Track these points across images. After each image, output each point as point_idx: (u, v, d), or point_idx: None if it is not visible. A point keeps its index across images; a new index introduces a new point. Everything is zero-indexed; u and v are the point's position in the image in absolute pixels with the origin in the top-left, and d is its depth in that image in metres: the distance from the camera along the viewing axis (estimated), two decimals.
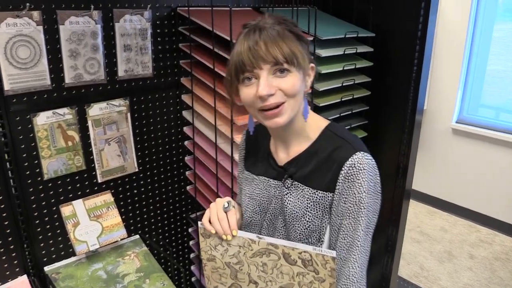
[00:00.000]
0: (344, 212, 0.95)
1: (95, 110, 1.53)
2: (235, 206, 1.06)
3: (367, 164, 0.93)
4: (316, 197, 1.00)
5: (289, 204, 1.04)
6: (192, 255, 2.04)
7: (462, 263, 3.13)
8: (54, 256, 1.60)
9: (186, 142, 1.81)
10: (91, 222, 1.59)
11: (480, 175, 3.64)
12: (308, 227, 1.01)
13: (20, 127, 1.39)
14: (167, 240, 1.92)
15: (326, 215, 1.00)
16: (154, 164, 1.75)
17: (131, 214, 1.76)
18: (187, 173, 1.87)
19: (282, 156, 1.08)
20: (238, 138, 1.52)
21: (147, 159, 1.73)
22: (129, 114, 1.61)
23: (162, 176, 1.80)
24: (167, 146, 1.77)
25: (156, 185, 1.79)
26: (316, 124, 1.04)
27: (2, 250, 1.47)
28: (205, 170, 1.78)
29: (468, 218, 3.75)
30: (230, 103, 1.02)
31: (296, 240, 1.03)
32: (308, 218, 1.01)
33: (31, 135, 1.42)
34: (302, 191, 1.02)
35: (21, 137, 1.40)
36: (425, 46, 1.61)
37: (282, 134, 1.04)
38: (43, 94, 1.40)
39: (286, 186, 1.05)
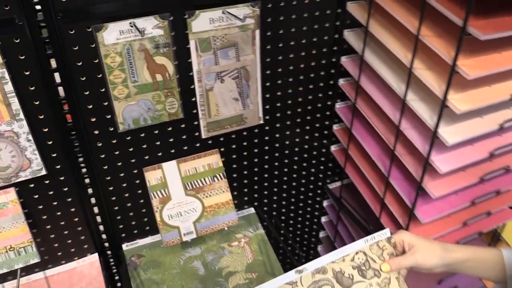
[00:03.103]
0: None
1: (203, 23, 0.88)
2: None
3: None
4: None
5: None
6: (321, 234, 1.46)
7: None
8: (135, 231, 1.12)
9: (341, 82, 1.11)
10: (188, 197, 1.05)
11: None
12: None
13: (77, 48, 0.81)
14: (291, 214, 1.35)
15: None
16: (288, 113, 1.11)
17: (246, 181, 1.18)
18: (334, 127, 1.20)
19: None
20: (456, 100, 0.79)
21: (278, 104, 1.08)
22: (257, 32, 0.94)
23: (298, 131, 1.15)
24: (310, 86, 1.09)
25: (287, 142, 1.16)
26: None
27: (63, 222, 1.00)
28: (366, 129, 1.10)
29: None
30: None
31: None
32: None
33: (96, 61, 0.83)
34: None
35: (79, 63, 0.83)
36: None
37: None
38: None
39: None
